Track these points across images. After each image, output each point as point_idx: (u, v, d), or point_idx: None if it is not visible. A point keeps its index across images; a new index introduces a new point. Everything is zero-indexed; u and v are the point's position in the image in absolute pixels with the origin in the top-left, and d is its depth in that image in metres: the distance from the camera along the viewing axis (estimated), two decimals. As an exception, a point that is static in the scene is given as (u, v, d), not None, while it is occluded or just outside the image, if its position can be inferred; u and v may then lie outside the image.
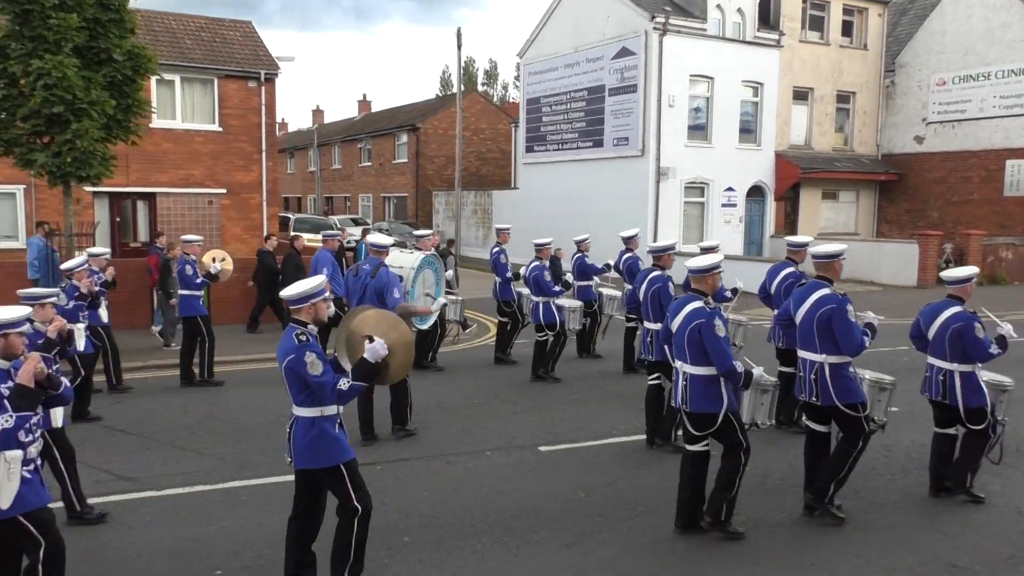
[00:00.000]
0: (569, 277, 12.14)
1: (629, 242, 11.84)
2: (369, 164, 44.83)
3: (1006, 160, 26.21)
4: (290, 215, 31.80)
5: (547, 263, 11.32)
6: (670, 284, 8.15)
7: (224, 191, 22.08)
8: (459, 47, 31.74)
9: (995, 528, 6.28)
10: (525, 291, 12.04)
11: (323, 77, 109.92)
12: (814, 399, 6.07)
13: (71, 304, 8.64)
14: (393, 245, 9.24)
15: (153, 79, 20.55)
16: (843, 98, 28.93)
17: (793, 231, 28.24)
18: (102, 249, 11.06)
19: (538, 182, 30.07)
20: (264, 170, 22.62)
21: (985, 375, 6.58)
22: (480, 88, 58.35)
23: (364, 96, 56.29)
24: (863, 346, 5.94)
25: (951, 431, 6.68)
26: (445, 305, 11.57)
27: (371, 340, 4.86)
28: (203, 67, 21.41)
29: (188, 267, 11.01)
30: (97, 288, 9.44)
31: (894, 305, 18.56)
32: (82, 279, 8.92)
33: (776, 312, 8.09)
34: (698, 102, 25.77)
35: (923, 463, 7.17)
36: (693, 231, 25.88)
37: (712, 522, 5.89)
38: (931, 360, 6.59)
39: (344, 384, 4.75)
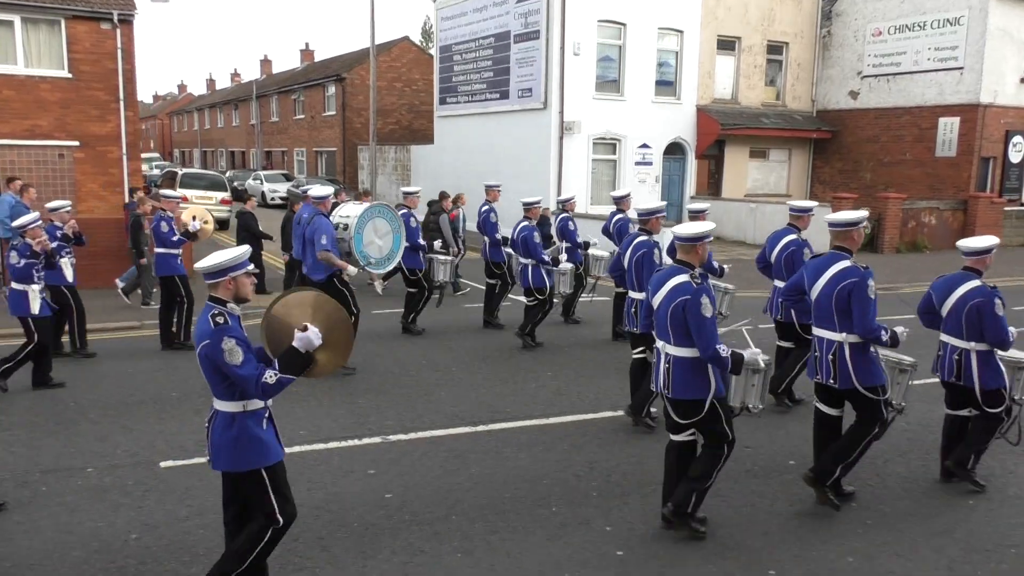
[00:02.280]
0: (563, 256, 11.42)
1: (620, 202, 11.10)
2: (302, 117, 42.86)
3: (939, 118, 24.43)
4: (177, 169, 29.85)
5: (535, 223, 10.73)
6: (655, 251, 7.49)
7: (77, 143, 20.21)
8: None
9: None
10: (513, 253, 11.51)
11: (271, 25, 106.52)
12: (831, 381, 5.66)
13: (22, 263, 8.38)
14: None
15: (-12, 18, 18.86)
16: (775, 49, 26.99)
17: (717, 192, 26.61)
18: (62, 202, 10.33)
19: (452, 136, 28.27)
20: (123, 121, 20.64)
21: (999, 351, 6.07)
22: (420, 38, 55.60)
23: (307, 45, 53.87)
24: (878, 332, 5.46)
25: (963, 413, 6.27)
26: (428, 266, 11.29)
27: (304, 329, 4.17)
28: (46, 6, 19.43)
29: (164, 224, 10.60)
30: (56, 244, 9.18)
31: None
32: (36, 236, 8.47)
33: (778, 284, 7.88)
34: (609, 51, 23.84)
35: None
36: (603, 190, 24.15)
37: (675, 512, 5.26)
38: (944, 338, 6.14)
39: (271, 377, 4.09)
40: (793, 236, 7.89)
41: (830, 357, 5.60)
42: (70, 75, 19.94)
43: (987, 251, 6.03)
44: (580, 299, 12.47)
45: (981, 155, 24.02)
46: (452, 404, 8.23)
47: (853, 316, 5.44)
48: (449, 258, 12.28)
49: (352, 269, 9.51)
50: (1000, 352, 6.01)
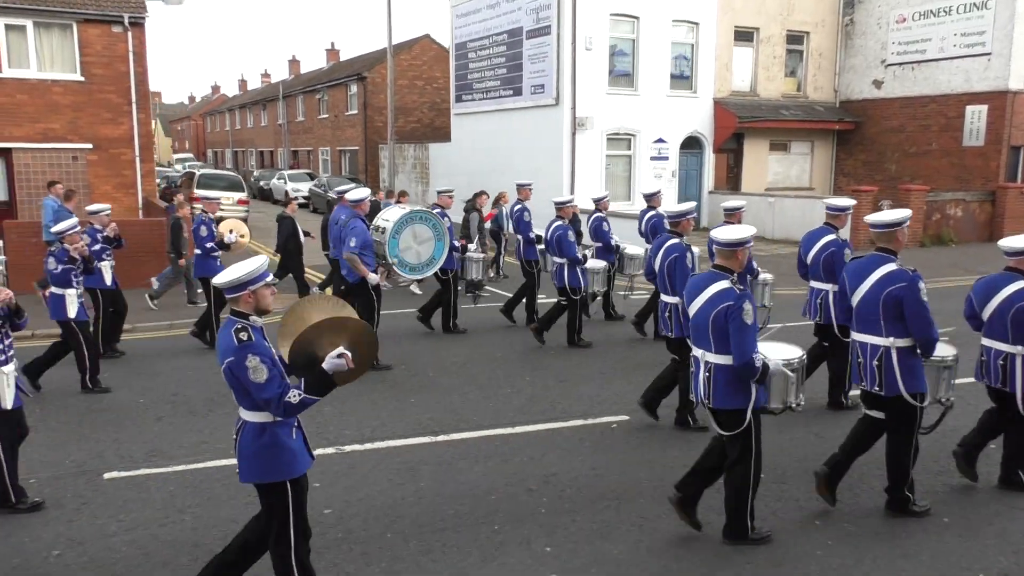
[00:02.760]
0: (589, 252, 11.28)
1: (651, 199, 11.06)
2: (326, 116, 42.99)
3: (966, 106, 23.61)
4: (195, 170, 30.04)
5: (568, 222, 10.58)
6: (688, 254, 7.30)
7: (90, 146, 20.48)
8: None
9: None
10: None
11: (300, 26, 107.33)
12: (876, 388, 5.42)
13: (59, 268, 8.50)
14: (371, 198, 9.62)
15: (1, 23, 19.09)
16: (795, 39, 26.33)
17: (736, 186, 26.06)
18: (102, 205, 10.57)
19: (469, 133, 28.11)
20: (135, 123, 20.95)
21: None
22: (444, 35, 55.50)
23: (332, 44, 53.89)
24: (936, 337, 5.28)
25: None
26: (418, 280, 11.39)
27: (340, 355, 4.06)
28: (58, 10, 19.64)
29: (204, 227, 10.97)
30: (99, 246, 9.60)
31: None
32: (74, 243, 8.61)
33: (815, 285, 7.70)
34: (622, 45, 23.45)
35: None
36: (619, 187, 23.82)
37: (730, 537, 5.26)
38: (987, 342, 5.89)
39: (294, 396, 4.00)
40: (832, 236, 7.64)
41: (875, 363, 5.38)
42: (82, 78, 20.16)
43: None
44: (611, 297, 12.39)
45: (1011, 144, 23.15)
46: (420, 411, 8.02)
47: (910, 323, 5.23)
48: (482, 256, 12.29)
49: (373, 278, 9.41)
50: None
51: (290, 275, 14.03)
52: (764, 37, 25.65)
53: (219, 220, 12.13)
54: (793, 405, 5.35)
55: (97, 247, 9.58)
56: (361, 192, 9.67)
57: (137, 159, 21.07)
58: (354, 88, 39.20)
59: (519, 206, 12.36)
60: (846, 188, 26.28)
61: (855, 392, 6.64)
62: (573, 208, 10.83)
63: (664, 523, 5.55)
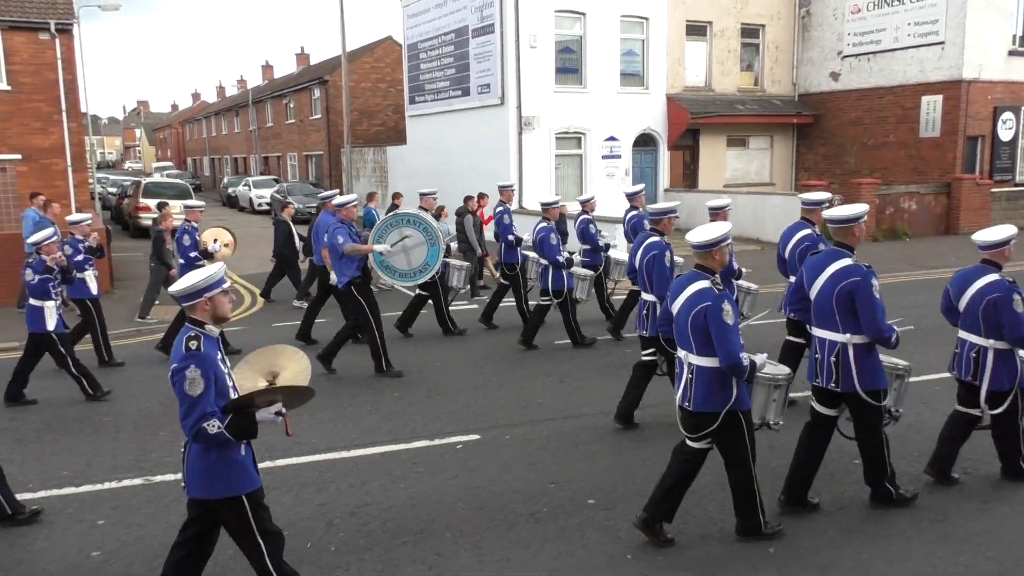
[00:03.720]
0: (576, 256, 11.19)
1: (633, 199, 10.93)
2: (293, 122, 42.51)
3: (921, 96, 23.12)
4: (141, 179, 29.50)
5: (554, 224, 10.40)
6: (667, 253, 7.24)
7: (19, 157, 19.92)
8: None
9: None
10: (532, 255, 11.27)
11: (272, 31, 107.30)
12: (833, 385, 5.36)
13: (36, 279, 8.38)
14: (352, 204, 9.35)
15: (-80, 33, 18.58)
16: (750, 32, 25.85)
17: (693, 183, 25.59)
18: (83, 215, 10.53)
19: (423, 135, 27.66)
20: (67, 133, 20.42)
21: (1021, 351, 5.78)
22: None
23: (302, 49, 53.34)
24: (889, 333, 5.20)
25: (975, 412, 5.92)
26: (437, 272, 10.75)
27: (279, 414, 4.09)
28: (-20, 18, 19.11)
29: (187, 236, 10.77)
30: (82, 256, 9.55)
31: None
32: (51, 252, 8.51)
33: (791, 281, 7.44)
34: (569, 42, 22.96)
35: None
36: (570, 186, 23.33)
37: (744, 533, 5.20)
38: (962, 335, 5.88)
39: (213, 426, 3.88)
40: (807, 231, 7.60)
41: (832, 359, 5.32)
42: (9, 87, 19.64)
43: (1004, 243, 5.74)
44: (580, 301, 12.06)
45: (967, 134, 22.66)
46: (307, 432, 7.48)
47: (860, 318, 5.18)
48: (466, 264, 12.34)
49: (382, 246, 9.35)
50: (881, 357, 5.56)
51: (286, 279, 14.19)
52: (718, 31, 25.17)
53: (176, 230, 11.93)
54: (771, 422, 5.30)
55: (79, 257, 9.53)
56: (347, 196, 9.50)
57: (69, 169, 20.56)
58: (317, 92, 38.71)
59: (500, 208, 12.21)
60: (800, 183, 25.79)
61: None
62: (559, 209, 10.76)
63: (455, 561, 5.05)
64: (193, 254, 10.66)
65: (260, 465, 6.54)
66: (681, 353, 5.09)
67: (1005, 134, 23.26)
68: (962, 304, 5.85)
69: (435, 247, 9.95)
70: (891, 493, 5.58)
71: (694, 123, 24.23)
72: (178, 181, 28.71)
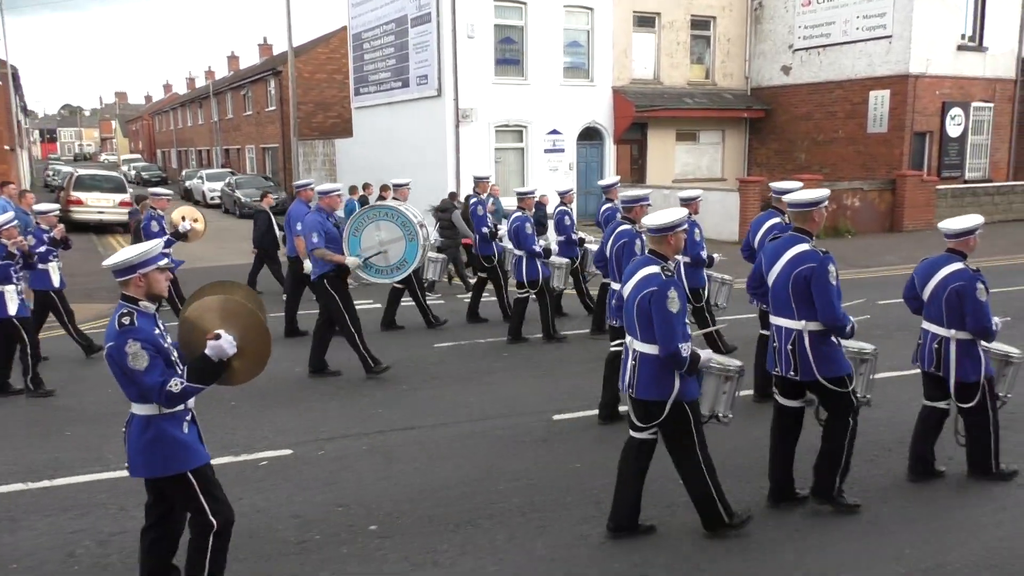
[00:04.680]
0: (553, 245, 11.40)
1: (608, 191, 10.84)
2: (251, 113, 41.73)
3: (869, 92, 22.63)
4: (74, 170, 28.64)
5: (530, 215, 10.47)
6: (638, 241, 7.24)
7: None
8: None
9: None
10: (508, 245, 11.07)
11: (238, 21, 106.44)
12: (792, 373, 5.27)
13: None
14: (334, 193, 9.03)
15: None
16: (700, 24, 25.29)
17: (641, 178, 25.03)
18: (50, 206, 10.45)
19: (368, 128, 27.03)
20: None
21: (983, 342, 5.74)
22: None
23: (265, 39, 52.50)
24: (844, 321, 5.09)
25: (942, 405, 5.83)
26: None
27: (217, 336, 4.00)
28: None
29: (154, 223, 10.76)
30: (45, 248, 9.46)
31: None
32: (12, 236, 8.34)
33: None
34: (509, 32, 22.34)
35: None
36: (511, 180, 22.73)
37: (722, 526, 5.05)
38: (925, 325, 5.82)
39: (176, 385, 3.91)
40: (777, 219, 7.56)
41: (789, 347, 5.25)
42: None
43: (970, 232, 5.68)
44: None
45: (914, 130, 22.22)
46: (55, 449, 6.88)
47: (816, 303, 5.09)
48: (441, 256, 12.54)
49: (353, 260, 8.92)
50: (986, 344, 5.66)
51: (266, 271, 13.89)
52: (666, 22, 24.60)
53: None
54: (720, 415, 5.21)
55: (43, 248, 9.45)
56: (329, 185, 9.19)
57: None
58: (272, 84, 37.93)
59: (474, 199, 12.07)
60: (740, 180, 25.25)
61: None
62: (534, 199, 10.78)
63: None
64: (165, 238, 10.43)
65: (41, 484, 6.04)
66: (628, 339, 5.01)
67: (954, 130, 22.82)
68: (926, 293, 5.76)
69: (413, 243, 9.42)
70: (833, 486, 5.34)
71: (641, 117, 23.68)
72: (112, 174, 27.79)
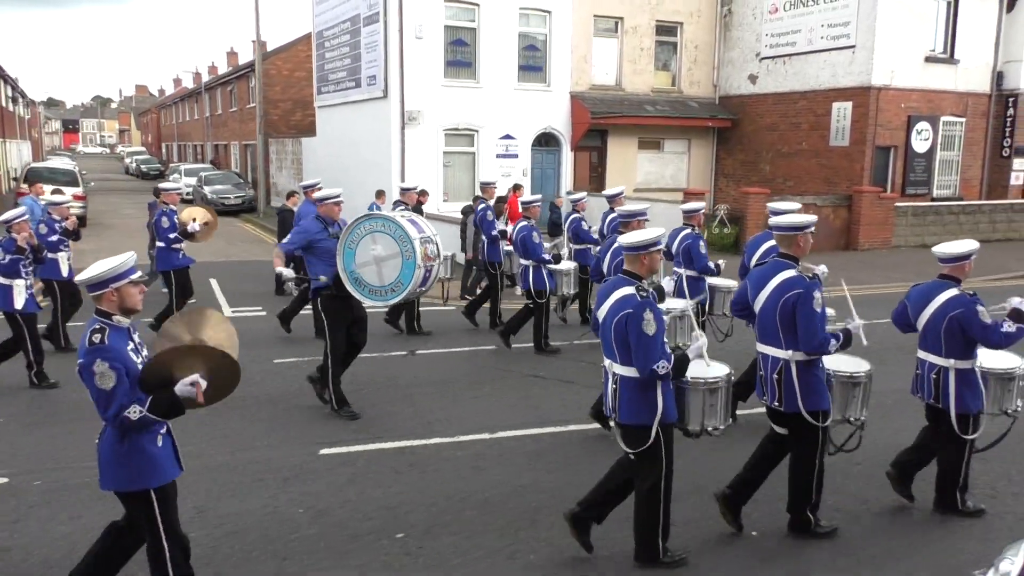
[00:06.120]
0: (565, 251, 11.24)
1: (612, 201, 10.80)
2: (235, 110, 41.58)
3: (832, 103, 21.83)
4: (30, 163, 28.48)
5: (535, 223, 10.29)
6: None
7: None
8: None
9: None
10: (509, 247, 11.22)
11: (238, 17, 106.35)
12: (776, 404, 5.20)
13: (7, 259, 8.37)
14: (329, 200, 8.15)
15: None
16: (666, 30, 24.61)
17: (600, 187, 24.31)
18: (62, 196, 10.58)
19: (329, 127, 26.63)
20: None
21: (987, 362, 5.67)
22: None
23: (257, 35, 52.19)
24: (825, 347, 5.00)
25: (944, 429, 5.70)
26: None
27: (192, 383, 3.92)
28: None
29: (165, 219, 10.79)
30: (57, 237, 9.58)
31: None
32: (22, 231, 8.44)
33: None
34: (460, 33, 21.80)
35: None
36: (461, 186, 22.22)
37: (641, 560, 4.96)
38: (922, 355, 5.68)
39: (134, 412, 3.86)
40: (774, 242, 7.11)
41: (775, 376, 5.16)
42: None
43: (965, 257, 5.51)
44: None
45: (877, 144, 21.38)
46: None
47: (799, 331, 5.00)
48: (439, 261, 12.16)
49: (287, 272, 8.04)
50: (986, 363, 5.61)
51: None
52: (630, 27, 23.93)
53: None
54: (710, 429, 5.10)
55: (54, 238, 9.57)
56: (327, 192, 8.09)
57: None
58: (253, 80, 37.66)
59: (483, 205, 11.98)
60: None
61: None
62: (539, 208, 10.63)
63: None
64: (173, 235, 10.65)
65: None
66: (606, 362, 4.91)
67: (920, 145, 21.96)
68: (921, 322, 5.61)
69: (410, 262, 7.58)
70: (810, 522, 5.35)
71: (600, 123, 23.05)
72: (66, 167, 27.54)
